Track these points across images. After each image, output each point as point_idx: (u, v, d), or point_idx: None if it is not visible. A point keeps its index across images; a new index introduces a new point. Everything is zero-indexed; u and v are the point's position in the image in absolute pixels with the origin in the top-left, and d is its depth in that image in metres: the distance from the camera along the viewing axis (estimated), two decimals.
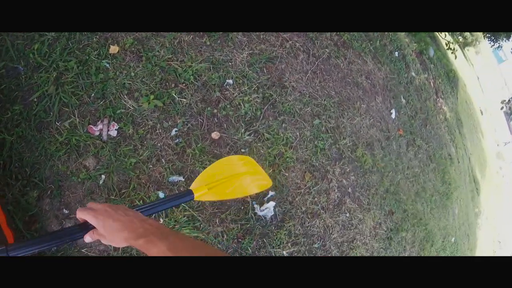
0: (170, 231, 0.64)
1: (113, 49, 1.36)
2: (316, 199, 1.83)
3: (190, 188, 0.98)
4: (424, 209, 3.06)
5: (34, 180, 1.15)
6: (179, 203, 0.96)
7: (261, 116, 1.59)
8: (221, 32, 1.65)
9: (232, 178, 1.07)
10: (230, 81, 1.55)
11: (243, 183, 1.09)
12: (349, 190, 2.11)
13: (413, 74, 3.54)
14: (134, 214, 0.68)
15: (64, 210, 1.17)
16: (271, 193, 1.55)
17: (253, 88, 1.61)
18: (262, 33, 1.84)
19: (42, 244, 0.77)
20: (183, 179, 1.32)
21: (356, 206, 2.12)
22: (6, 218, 1.01)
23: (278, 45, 1.88)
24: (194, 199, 0.98)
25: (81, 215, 0.67)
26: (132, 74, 1.35)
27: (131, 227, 0.64)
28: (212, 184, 1.02)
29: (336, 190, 1.98)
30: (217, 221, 1.37)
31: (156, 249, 0.58)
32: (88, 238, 0.68)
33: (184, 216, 1.28)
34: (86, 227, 0.73)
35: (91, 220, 0.65)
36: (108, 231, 0.64)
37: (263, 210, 1.53)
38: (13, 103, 1.20)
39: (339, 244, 1.90)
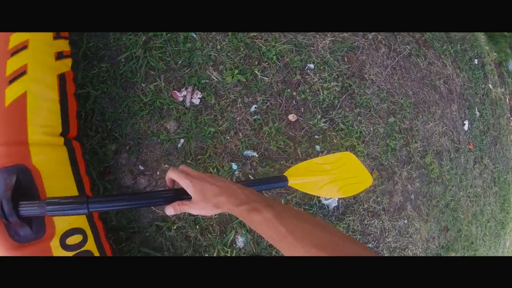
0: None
1: None
2: (379, 199, 1.74)
3: (285, 174, 0.96)
4: (478, 234, 2.82)
5: (114, 134, 1.19)
6: (272, 187, 0.93)
7: (338, 105, 1.53)
8: None
9: (329, 176, 1.04)
10: (312, 66, 1.50)
11: (337, 184, 1.05)
12: (412, 196, 1.98)
13: (490, 86, 3.26)
14: (231, 181, 0.64)
15: (140, 166, 1.19)
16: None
17: (333, 76, 1.55)
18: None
19: (123, 203, 0.77)
20: (256, 155, 1.29)
21: (416, 214, 1.99)
22: (85, 166, 1.04)
23: (361, 35, 1.80)
24: (288, 185, 0.95)
25: (173, 175, 0.65)
26: (218, 47, 1.35)
27: (231, 192, 0.60)
28: (308, 177, 0.98)
29: (399, 194, 1.87)
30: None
31: (260, 216, 0.54)
32: (170, 210, 0.65)
33: None
34: (170, 196, 0.71)
35: (183, 181, 0.62)
36: (203, 195, 0.60)
37: (328, 199, 1.47)
38: (100, 60, 1.25)
39: (391, 249, 1.79)
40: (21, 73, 0.85)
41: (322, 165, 1.09)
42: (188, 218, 1.21)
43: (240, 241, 1.27)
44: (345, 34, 1.73)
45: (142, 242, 1.18)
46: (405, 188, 1.91)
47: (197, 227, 1.21)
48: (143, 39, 1.27)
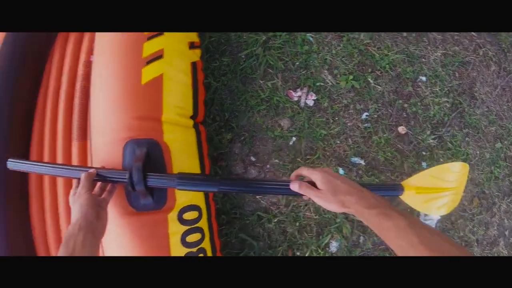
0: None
1: None
2: (475, 228, 1.61)
3: (402, 183, 0.92)
4: None
5: (231, 124, 1.22)
6: (385, 194, 0.90)
7: (448, 123, 1.44)
8: None
9: (445, 192, 0.98)
10: (423, 78, 1.44)
11: (447, 200, 0.99)
12: (506, 233, 1.80)
13: None
14: (359, 184, 0.63)
15: (252, 157, 1.22)
16: None
17: (444, 91, 1.47)
18: (456, 34, 1.68)
19: (250, 188, 0.78)
20: (363, 163, 1.26)
21: (506, 253, 1.81)
22: (208, 149, 1.08)
23: (472, 50, 1.70)
24: (400, 196, 0.91)
25: (303, 170, 0.67)
26: (333, 52, 1.34)
27: (362, 194, 0.60)
28: (422, 190, 0.93)
29: (495, 227, 1.72)
30: None
31: (391, 223, 0.52)
32: (296, 186, 0.66)
33: None
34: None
35: (315, 173, 0.63)
36: (333, 189, 0.60)
37: (427, 220, 1.39)
38: (221, 54, 1.30)
39: None
40: (157, 56, 0.90)
41: (440, 179, 1.02)
42: (289, 214, 1.21)
43: (334, 246, 1.24)
44: (456, 47, 1.65)
45: (241, 228, 1.20)
46: (501, 222, 1.75)
47: (297, 224, 1.21)
48: (263, 39, 1.30)
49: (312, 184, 0.64)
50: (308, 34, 1.35)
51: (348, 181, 0.62)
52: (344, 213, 1.22)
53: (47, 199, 1.05)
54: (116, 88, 0.85)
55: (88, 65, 1.20)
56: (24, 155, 1.09)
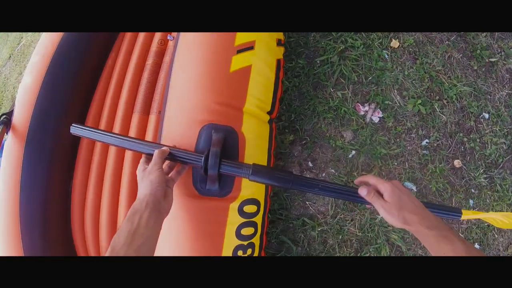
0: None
1: (394, 43, 1.37)
2: None
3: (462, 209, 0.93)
4: None
5: (295, 126, 1.24)
6: (442, 215, 0.90)
7: (501, 165, 1.44)
8: (487, 59, 1.54)
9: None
10: (486, 115, 1.43)
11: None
12: None
13: None
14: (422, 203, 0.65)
15: (309, 163, 1.24)
16: (476, 245, 1.40)
17: (503, 132, 1.46)
18: None
19: (322, 191, 0.76)
20: (415, 189, 1.27)
21: None
22: (275, 147, 1.10)
23: None
24: (460, 219, 0.92)
25: (371, 178, 0.67)
26: (406, 73, 1.34)
27: (425, 214, 0.61)
28: (478, 214, 0.94)
29: None
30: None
31: (450, 246, 0.54)
32: (364, 191, 0.66)
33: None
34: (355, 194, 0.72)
35: (384, 184, 0.63)
36: (399, 204, 0.61)
37: None
38: (298, 56, 1.30)
39: None
40: (249, 47, 0.91)
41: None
42: (334, 226, 1.23)
43: None
44: None
45: (283, 230, 1.22)
46: None
47: (339, 237, 1.23)
48: (341, 48, 1.30)
49: (378, 193, 0.66)
50: (384, 51, 1.34)
51: (414, 199, 0.63)
52: (386, 235, 1.24)
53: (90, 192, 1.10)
54: (204, 71, 0.84)
55: (164, 43, 1.22)
56: (81, 119, 1.15)
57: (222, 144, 0.79)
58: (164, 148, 0.75)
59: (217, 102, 0.83)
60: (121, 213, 1.04)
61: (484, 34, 1.57)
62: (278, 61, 1.09)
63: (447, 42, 1.47)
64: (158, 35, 1.26)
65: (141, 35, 1.29)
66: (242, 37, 0.90)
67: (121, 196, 1.05)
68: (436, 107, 1.35)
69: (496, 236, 1.44)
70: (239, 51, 0.88)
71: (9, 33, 3.21)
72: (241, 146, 0.87)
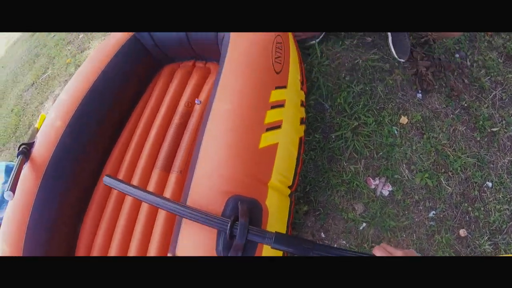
0: None
1: (403, 119, 1.51)
2: None
3: None
4: None
5: (310, 197, 1.37)
6: None
7: (505, 231, 1.54)
8: (489, 129, 1.66)
9: None
10: (489, 184, 1.55)
11: None
12: None
13: None
14: None
15: (322, 234, 1.36)
16: None
17: (506, 199, 1.57)
18: None
19: (339, 255, 0.79)
20: None
21: None
22: (293, 218, 1.21)
23: None
24: None
25: (387, 248, 0.70)
26: (414, 147, 1.47)
27: None
28: None
29: None
30: None
31: None
32: (378, 252, 0.70)
33: None
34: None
35: (398, 253, 0.67)
36: None
37: None
38: (315, 130, 1.45)
39: None
40: (277, 126, 1.02)
41: None
42: None
43: None
44: None
45: None
46: None
47: None
48: (355, 124, 1.45)
49: None
50: (394, 127, 1.48)
51: None
52: None
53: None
54: (235, 144, 0.90)
55: (191, 105, 1.36)
56: (100, 165, 1.25)
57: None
58: None
59: (246, 175, 0.89)
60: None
61: (486, 105, 1.70)
62: (300, 138, 1.20)
63: (451, 116, 1.61)
64: (185, 97, 1.41)
65: (169, 94, 1.44)
66: (271, 116, 1.00)
67: (131, 247, 1.12)
68: (442, 179, 1.47)
69: None
70: (268, 129, 0.97)
71: (35, 60, 3.36)
72: (264, 218, 0.93)
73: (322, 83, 1.56)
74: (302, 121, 1.26)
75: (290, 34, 1.34)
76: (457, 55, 1.78)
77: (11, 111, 2.90)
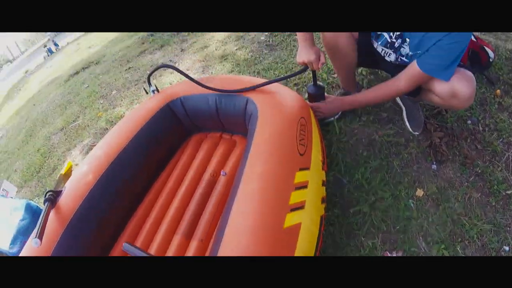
0: None
1: (419, 192, 1.65)
2: None
3: None
4: None
5: None
6: None
7: None
8: (504, 193, 1.75)
9: None
10: (507, 248, 1.64)
11: None
12: None
13: None
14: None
15: None
16: None
17: None
18: None
19: None
20: None
21: None
22: None
23: None
24: None
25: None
26: (430, 219, 1.60)
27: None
28: None
29: None
30: None
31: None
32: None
33: None
34: None
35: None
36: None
37: None
38: (334, 206, 1.60)
39: None
40: (300, 206, 1.05)
41: None
42: None
43: None
44: None
45: None
46: None
47: None
48: (372, 199, 1.60)
49: None
50: (410, 200, 1.62)
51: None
52: None
53: None
54: (260, 223, 0.94)
55: (216, 175, 1.53)
56: (122, 224, 1.35)
57: None
58: None
59: (270, 254, 0.91)
60: None
61: (500, 168, 1.81)
62: (321, 216, 1.29)
63: (466, 183, 1.72)
64: (211, 166, 1.57)
65: (196, 162, 1.60)
66: (296, 197, 1.05)
67: None
68: (458, 249, 1.59)
69: None
70: (292, 210, 1.02)
71: (67, 106, 3.54)
72: None
73: (341, 159, 1.73)
74: (323, 200, 1.36)
75: (312, 115, 1.51)
76: (469, 122, 1.90)
77: (37, 150, 3.05)
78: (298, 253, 1.06)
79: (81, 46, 7.38)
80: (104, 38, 6.13)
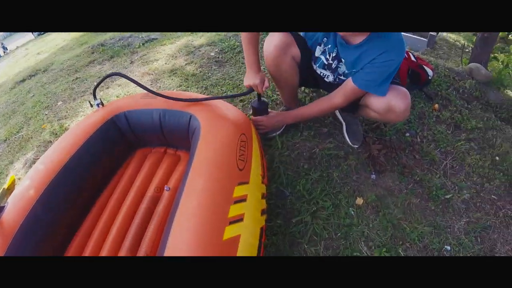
0: None
1: (359, 200, 1.76)
2: None
3: None
4: None
5: None
6: None
7: None
8: (442, 197, 1.87)
9: None
10: (448, 248, 1.73)
11: None
12: None
13: None
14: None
15: None
16: None
17: None
18: (478, 200, 1.95)
19: None
20: None
21: None
22: None
23: (492, 213, 1.95)
24: None
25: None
26: (370, 225, 1.70)
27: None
28: None
29: None
30: None
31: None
32: None
33: None
34: None
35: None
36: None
37: None
38: (276, 216, 1.69)
39: None
40: (239, 219, 1.08)
41: None
42: None
43: None
44: (478, 214, 1.91)
45: None
46: None
47: None
48: (313, 209, 1.70)
49: None
50: (350, 208, 1.74)
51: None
52: None
53: None
54: (200, 237, 0.96)
55: (159, 190, 1.55)
56: (66, 241, 1.34)
57: None
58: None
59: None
60: None
61: (438, 175, 1.94)
62: (262, 228, 1.30)
63: (405, 191, 1.85)
64: (155, 181, 1.59)
65: (140, 177, 1.61)
66: (235, 210, 1.08)
67: None
68: (400, 251, 1.68)
69: None
70: (231, 222, 1.04)
71: (12, 116, 3.34)
72: None
73: (283, 172, 1.85)
74: (263, 212, 1.38)
75: (253, 131, 1.62)
76: (407, 134, 2.06)
77: None
78: None
79: (29, 51, 7.22)
80: (54, 45, 6.00)
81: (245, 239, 1.13)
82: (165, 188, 1.57)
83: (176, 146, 1.81)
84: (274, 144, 1.96)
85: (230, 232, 1.05)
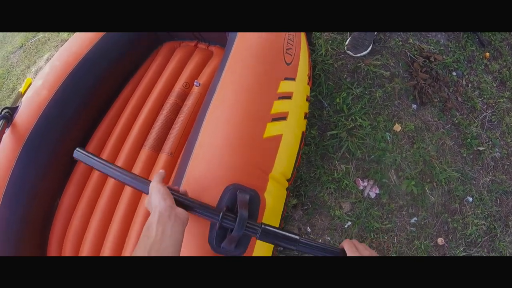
0: None
1: (397, 127, 1.62)
2: None
3: None
4: None
5: (300, 191, 1.45)
6: None
7: (479, 244, 1.67)
8: (475, 148, 1.79)
9: None
10: (470, 199, 1.67)
11: None
12: None
13: None
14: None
15: (308, 228, 1.44)
16: None
17: (484, 214, 1.70)
18: (507, 162, 1.91)
19: (319, 252, 0.82)
20: None
21: None
22: (285, 212, 1.27)
23: None
24: None
25: (347, 244, 0.76)
26: (403, 155, 1.58)
27: None
28: None
29: None
30: None
31: None
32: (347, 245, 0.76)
33: None
34: (337, 253, 0.79)
35: (354, 253, 0.72)
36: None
37: None
38: (311, 126, 1.53)
39: None
40: (282, 117, 0.99)
41: None
42: None
43: None
44: (503, 176, 1.88)
45: None
46: None
47: None
48: (350, 125, 1.54)
49: None
50: (387, 133, 1.59)
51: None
52: None
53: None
54: (238, 132, 0.88)
55: (189, 86, 1.38)
56: (84, 140, 1.24)
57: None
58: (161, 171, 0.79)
59: (248, 163, 0.86)
60: (106, 247, 1.08)
61: (476, 124, 1.83)
62: (303, 133, 1.21)
63: (442, 129, 1.73)
64: (184, 77, 1.41)
65: (166, 72, 1.43)
66: (278, 106, 0.97)
67: (109, 233, 1.11)
68: (426, 189, 1.58)
69: None
70: (273, 119, 0.95)
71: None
72: (261, 209, 0.88)
73: (324, 81, 1.65)
74: (305, 116, 1.27)
75: None
76: (454, 73, 1.91)
77: None
78: (277, 165, 0.95)
79: None
80: None
81: (287, 139, 1.00)
82: (195, 84, 1.34)
83: (209, 41, 1.57)
84: (317, 49, 1.73)
85: (272, 129, 0.94)
